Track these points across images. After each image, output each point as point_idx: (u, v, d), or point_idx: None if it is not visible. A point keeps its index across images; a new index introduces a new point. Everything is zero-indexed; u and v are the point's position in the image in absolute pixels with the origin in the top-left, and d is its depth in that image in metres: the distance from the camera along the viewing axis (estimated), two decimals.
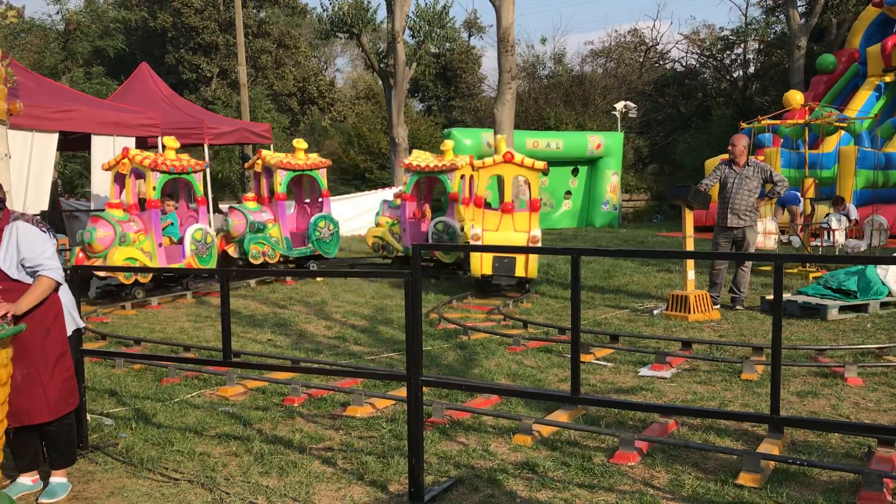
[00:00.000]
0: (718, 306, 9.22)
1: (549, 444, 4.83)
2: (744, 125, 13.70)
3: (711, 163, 20.40)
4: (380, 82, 32.19)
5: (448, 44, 24.16)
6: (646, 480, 4.27)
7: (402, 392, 5.77)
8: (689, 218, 8.89)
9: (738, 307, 9.26)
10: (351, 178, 29.28)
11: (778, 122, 14.25)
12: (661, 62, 37.82)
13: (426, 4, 23.47)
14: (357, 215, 19.50)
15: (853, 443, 4.74)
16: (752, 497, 4.00)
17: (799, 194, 13.27)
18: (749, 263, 9.62)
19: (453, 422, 5.23)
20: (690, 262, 8.89)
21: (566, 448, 4.75)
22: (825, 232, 12.13)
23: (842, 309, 8.60)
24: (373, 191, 21.51)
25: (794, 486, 4.13)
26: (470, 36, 39.30)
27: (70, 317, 4.46)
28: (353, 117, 35.23)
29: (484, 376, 6.39)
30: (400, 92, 21.43)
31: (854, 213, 13.62)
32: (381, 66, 22.41)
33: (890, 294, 8.86)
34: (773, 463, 4.35)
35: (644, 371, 6.49)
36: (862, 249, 11.92)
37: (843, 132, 17.20)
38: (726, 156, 9.61)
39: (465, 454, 4.67)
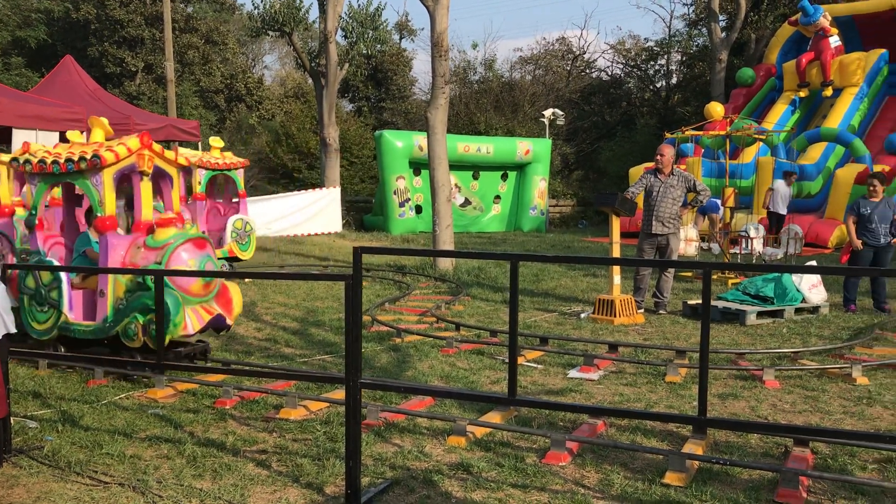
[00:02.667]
0: (643, 310, 9.49)
1: (482, 444, 4.92)
2: (668, 135, 14.12)
3: (635, 171, 20.94)
4: (309, 81, 31.95)
5: (380, 45, 24.11)
6: (577, 480, 4.40)
7: (336, 394, 5.79)
8: (615, 224, 9.13)
9: (661, 311, 9.55)
10: (279, 178, 28.94)
11: (700, 132, 14.73)
12: (588, 71, 38.56)
13: (359, 6, 23.45)
14: (286, 215, 19.31)
15: (771, 443, 4.97)
16: (678, 496, 4.15)
17: (719, 203, 13.74)
18: (672, 269, 9.94)
19: (388, 424, 5.27)
20: (616, 268, 9.13)
21: (500, 449, 4.84)
22: (744, 240, 12.59)
23: (759, 314, 8.97)
24: (302, 191, 21.32)
25: (717, 484, 4.31)
26: (401, 38, 39.34)
27: (1, 321, 4.33)
28: (282, 116, 34.81)
29: (417, 378, 6.45)
30: (331, 92, 21.31)
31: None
32: (313, 65, 22.25)
33: (804, 300, 9.28)
34: (697, 462, 4.53)
35: (573, 373, 6.65)
36: (779, 257, 12.42)
37: (760, 144, 17.87)
38: (650, 164, 9.90)
39: (401, 456, 4.71)
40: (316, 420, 5.38)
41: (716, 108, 21.92)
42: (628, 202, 9.16)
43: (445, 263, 12.87)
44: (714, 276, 12.06)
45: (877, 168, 17.14)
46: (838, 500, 4.11)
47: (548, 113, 26.97)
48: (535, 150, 23.52)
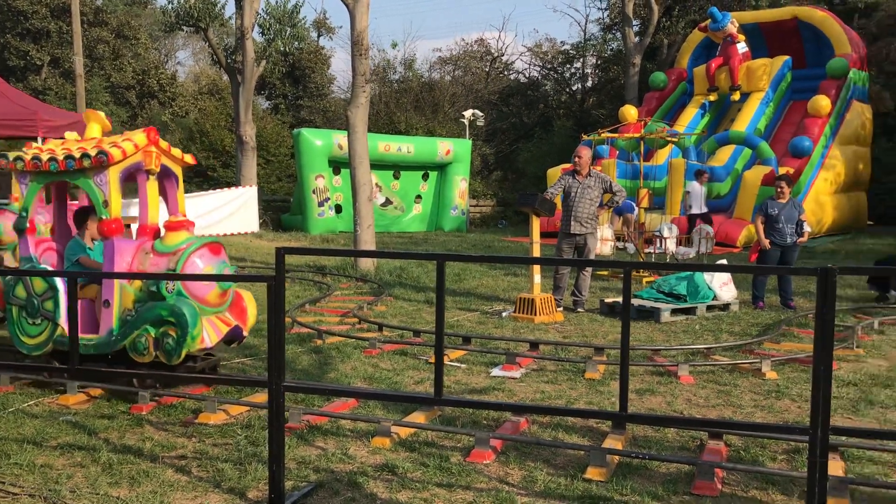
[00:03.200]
0: (562, 309, 9.65)
1: (407, 445, 4.91)
2: (585, 137, 14.39)
3: (553, 171, 21.25)
4: (225, 78, 31.36)
5: (298, 43, 23.85)
6: (501, 478, 4.44)
7: (257, 398, 5.70)
8: (535, 224, 9.25)
9: (579, 310, 9.73)
10: (192, 176, 28.29)
11: (615, 135, 15.07)
12: (506, 73, 39.01)
13: (277, 2, 23.09)
14: (200, 215, 18.87)
15: (687, 436, 5.12)
16: (599, 490, 4.24)
17: (634, 204, 14.08)
18: (590, 269, 10.14)
19: (311, 427, 5.21)
20: (537, 267, 9.26)
21: (424, 449, 4.85)
22: (657, 239, 12.94)
23: (673, 311, 9.24)
24: (217, 190, 20.89)
25: (636, 478, 4.42)
26: (319, 36, 38.99)
27: None
28: (196, 113, 34.02)
29: (340, 380, 6.39)
30: (248, 89, 20.95)
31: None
32: (229, 62, 21.81)
33: (715, 298, 9.60)
34: (617, 457, 4.64)
35: (496, 371, 6.71)
36: (691, 256, 12.81)
37: (672, 146, 18.40)
38: (567, 165, 10.08)
39: (325, 458, 4.67)
40: (237, 424, 5.27)
41: (630, 111, 22.46)
42: (548, 203, 9.30)
43: (367, 264, 12.81)
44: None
45: (782, 170, 17.86)
46: (751, 491, 4.27)
47: (468, 113, 27.16)
48: (455, 150, 23.64)
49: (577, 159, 9.79)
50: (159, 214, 6.11)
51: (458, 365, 6.95)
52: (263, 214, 22.18)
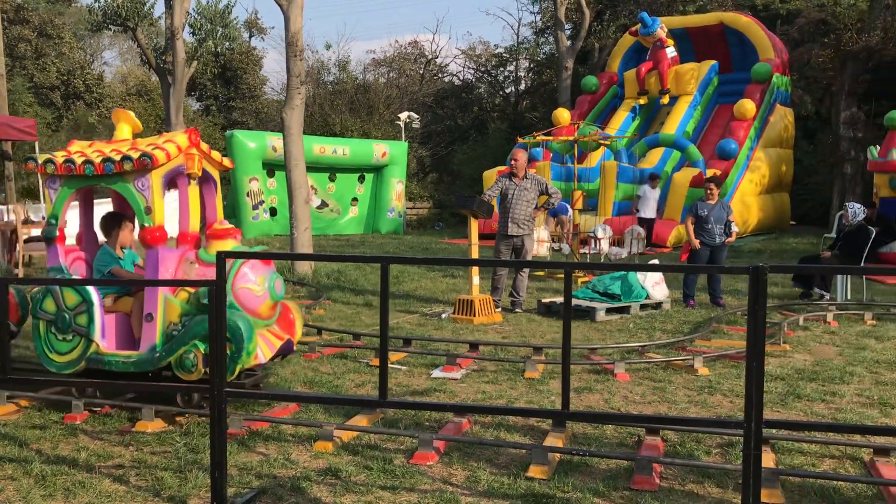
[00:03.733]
0: (500, 309, 9.75)
1: (350, 449, 4.90)
2: (520, 140, 14.54)
3: (489, 174, 21.40)
4: (154, 79, 30.68)
5: (229, 43, 23.48)
6: (444, 478, 4.47)
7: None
8: (474, 226, 9.33)
9: (517, 310, 9.84)
10: None
11: (550, 138, 15.27)
12: (441, 75, 39.15)
13: (208, 2, 22.70)
14: None
15: (625, 433, 5.24)
16: (541, 488, 4.31)
17: (568, 205, 14.29)
18: (527, 269, 10.26)
19: (252, 432, 5.15)
20: (475, 269, 9.33)
21: (367, 452, 4.84)
22: (592, 240, 13.18)
23: (608, 311, 9.42)
24: None
25: (577, 475, 4.50)
26: (251, 36, 38.48)
27: None
28: None
29: (280, 385, 6.34)
30: (179, 90, 20.56)
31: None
32: (159, 62, 21.36)
33: (648, 297, 9.82)
34: (558, 455, 4.71)
35: (436, 373, 6.74)
36: (623, 256, 13.08)
37: (605, 149, 18.74)
38: (503, 167, 10.19)
39: (267, 464, 4.63)
40: (175, 431, 5.18)
41: (563, 114, 22.80)
42: (485, 205, 9.38)
43: (304, 267, 12.71)
44: (563, 276, 12.52)
45: (710, 172, 18.35)
46: (687, 484, 4.39)
47: (403, 116, 27.18)
48: (391, 152, 23.62)
49: (513, 162, 9.90)
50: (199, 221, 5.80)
51: (399, 367, 6.96)
52: None
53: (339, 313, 9.71)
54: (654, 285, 9.90)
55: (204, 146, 5.76)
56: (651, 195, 16.74)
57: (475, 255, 9.25)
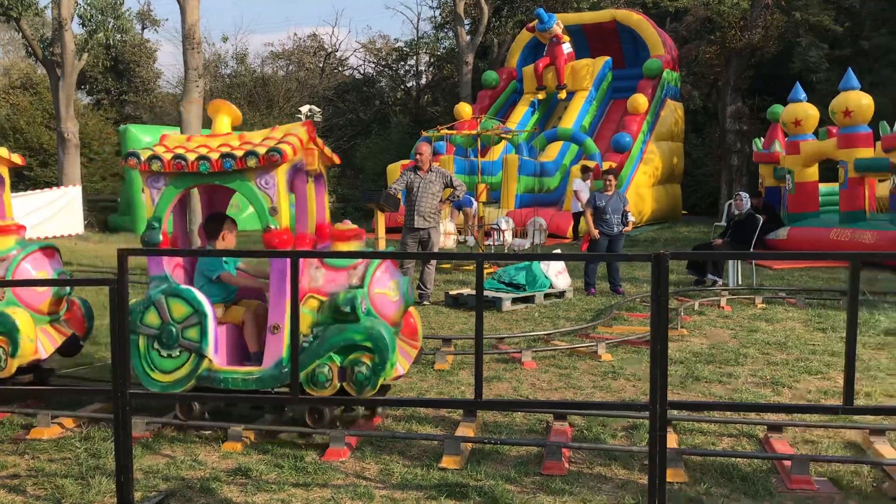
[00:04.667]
0: (428, 302, 9.77)
1: (259, 448, 4.82)
2: (424, 133, 14.59)
3: (393, 168, 21.37)
4: (40, 71, 29.25)
5: (121, 35, 22.64)
6: (358, 473, 4.46)
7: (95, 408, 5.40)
8: (380, 220, 9.31)
9: (425, 302, 9.88)
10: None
11: (453, 132, 15.39)
12: (341, 68, 38.82)
13: None
14: (19, 217, 17.56)
15: (534, 419, 5.34)
16: (454, 478, 4.35)
17: (473, 198, 14.43)
18: (434, 262, 10.30)
19: (156, 435, 5.01)
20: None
21: (278, 450, 4.78)
22: (495, 232, 13.35)
23: (514, 300, 9.58)
24: (36, 190, 19.50)
25: (490, 463, 4.56)
26: (144, 28, 37.17)
27: None
28: (8, 109, 31.53)
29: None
30: (68, 84, 19.66)
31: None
32: (46, 54, 20.37)
33: (552, 286, 10.03)
34: (470, 444, 4.77)
35: None
36: (526, 247, 13.31)
37: (506, 142, 19.01)
38: (406, 161, 10.20)
39: (174, 466, 4.51)
40: (74, 437, 4.98)
41: (465, 109, 22.99)
42: (392, 198, 9.37)
43: None
44: (469, 267, 12.67)
45: (606, 165, 18.86)
46: (595, 467, 4.52)
47: (304, 109, 26.82)
48: None
49: (418, 156, 9.91)
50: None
51: None
52: (88, 215, 20.92)
53: None
54: (557, 275, 10.12)
55: (319, 141, 5.40)
56: (586, 188, 16.93)
57: (382, 248, 9.23)
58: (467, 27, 30.66)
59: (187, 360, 4.97)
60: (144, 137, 20.08)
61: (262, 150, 4.82)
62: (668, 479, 3.94)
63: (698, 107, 28.65)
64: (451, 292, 9.99)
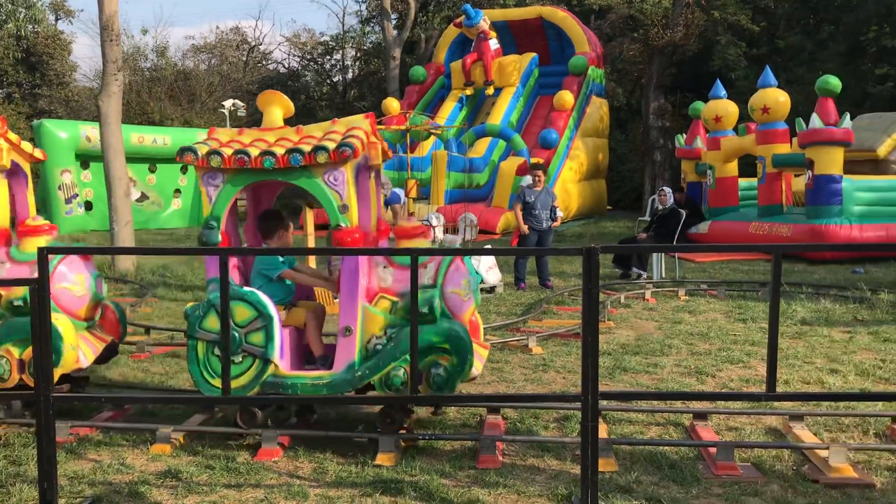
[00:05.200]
0: (338, 299, 9.67)
1: (189, 449, 4.72)
2: None
3: None
4: None
5: (33, 26, 21.81)
6: (291, 472, 4.41)
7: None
8: (310, 216, 9.21)
9: None
10: None
11: (381, 127, 15.31)
12: (265, 62, 38.25)
13: None
14: None
15: (468, 414, 5.37)
16: (389, 474, 4.34)
17: (402, 194, 14.40)
18: None
19: (81, 439, 4.85)
20: (312, 260, 9.22)
21: (208, 451, 4.68)
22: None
23: None
24: None
25: (424, 458, 4.57)
26: (58, 19, 35.85)
27: None
28: None
29: (109, 388, 6.00)
30: None
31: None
32: None
33: (482, 281, 10.09)
34: (404, 441, 4.76)
35: None
36: (457, 243, 13.34)
37: (435, 138, 19.03)
38: None
39: (100, 471, 4.37)
40: None
41: (392, 104, 22.89)
42: None
43: (126, 263, 12.06)
44: None
45: (533, 160, 19.06)
46: (529, 459, 4.57)
47: (228, 103, 26.33)
48: None
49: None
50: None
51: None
52: None
53: (168, 311, 9.29)
54: (488, 270, 10.18)
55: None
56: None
57: (312, 244, 9.13)
58: (394, 22, 30.58)
59: (251, 366, 4.74)
60: (60, 133, 19.42)
61: (331, 145, 4.62)
62: (600, 469, 4.01)
63: (622, 103, 29.22)
64: None
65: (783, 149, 14.88)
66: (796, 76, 24.53)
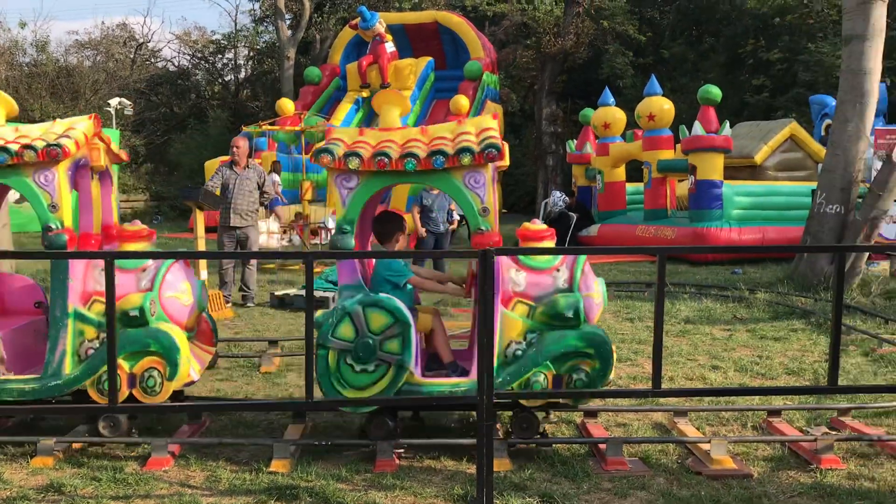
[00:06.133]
0: (230, 304, 9.48)
1: (74, 461, 4.53)
2: (245, 129, 14.21)
3: (211, 164, 20.67)
4: None
5: None
6: (182, 482, 4.30)
7: None
8: (200, 219, 8.98)
9: (248, 304, 9.64)
10: None
11: (276, 128, 15.09)
12: (154, 60, 37.03)
13: None
14: None
15: (363, 417, 5.35)
16: (285, 480, 4.29)
17: (280, 198, 14.16)
18: (254, 262, 10.05)
19: None
20: (203, 263, 8.99)
21: (94, 463, 4.51)
22: (322, 231, 13.24)
23: None
24: None
25: (321, 463, 4.53)
26: None
27: None
28: None
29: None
30: None
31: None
32: None
33: None
34: (300, 447, 4.71)
35: None
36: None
37: None
38: (225, 157, 9.91)
39: None
40: None
41: (287, 105, 22.55)
42: (211, 195, 9.06)
43: (3, 267, 11.41)
44: (297, 267, 12.49)
45: None
46: (426, 461, 4.60)
47: (114, 102, 25.32)
48: None
49: (234, 149, 9.61)
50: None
51: None
52: None
53: None
54: None
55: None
56: None
57: (201, 247, 8.91)
58: (288, 22, 30.17)
59: (385, 374, 4.58)
60: None
61: (477, 148, 4.52)
62: (495, 468, 4.09)
63: (516, 109, 29.77)
64: (276, 293, 9.80)
65: (668, 155, 15.51)
66: (680, 85, 25.58)
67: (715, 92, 14.37)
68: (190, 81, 36.47)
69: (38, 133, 4.82)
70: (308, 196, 12.72)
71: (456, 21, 24.37)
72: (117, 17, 66.62)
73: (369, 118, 23.43)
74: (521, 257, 4.79)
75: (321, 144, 4.62)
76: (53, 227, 4.68)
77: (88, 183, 5.17)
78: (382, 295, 4.63)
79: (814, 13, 24.17)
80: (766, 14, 25.07)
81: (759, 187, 15.14)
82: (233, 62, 37.21)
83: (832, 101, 13.90)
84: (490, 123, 4.78)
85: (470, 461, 4.52)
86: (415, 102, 22.61)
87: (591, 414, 5.22)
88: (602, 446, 4.66)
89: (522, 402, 4.66)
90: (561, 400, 4.77)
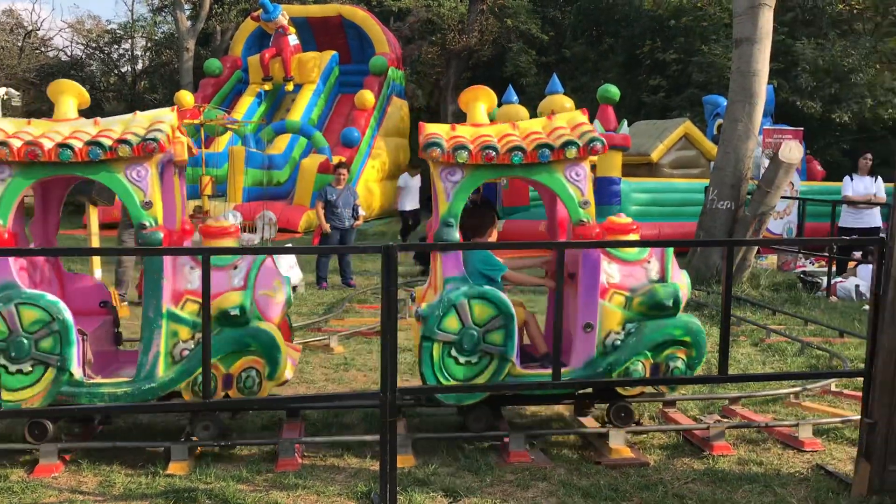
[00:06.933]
0: (127, 303, 9.15)
1: None
2: None
3: None
4: None
5: None
6: (74, 488, 4.14)
7: None
8: (94, 215, 8.65)
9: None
10: None
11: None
12: (44, 49, 35.35)
13: None
14: None
15: (267, 417, 5.27)
16: (183, 482, 4.18)
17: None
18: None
19: None
20: (97, 260, 8.67)
21: None
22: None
23: None
24: None
25: (220, 465, 4.44)
26: None
27: None
28: None
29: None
30: None
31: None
32: None
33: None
34: (199, 448, 4.59)
35: None
36: (255, 242, 13.04)
37: (231, 133, 18.47)
38: None
39: None
40: None
41: (185, 97, 21.91)
42: (106, 191, 8.68)
43: None
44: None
45: (336, 159, 18.99)
46: (329, 459, 4.57)
47: (0, 92, 24.04)
48: None
49: None
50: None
51: None
52: None
53: None
54: (289, 269, 10.01)
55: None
56: (413, 185, 16.33)
57: (95, 244, 8.58)
58: (188, 12, 29.32)
59: (487, 366, 4.63)
60: None
61: (581, 141, 4.62)
62: (399, 464, 4.08)
63: (422, 105, 29.77)
64: None
65: None
66: (581, 84, 26.11)
67: (613, 91, 14.72)
68: (84, 72, 34.91)
69: (120, 127, 4.61)
70: (207, 191, 12.41)
71: (361, 16, 24.21)
72: (3, 3, 63.39)
73: (272, 111, 23.06)
74: (610, 249, 4.83)
75: (424, 140, 4.64)
76: (147, 224, 4.49)
77: (172, 178, 4.98)
78: (487, 287, 4.68)
79: (707, 16, 25.08)
80: (663, 16, 25.86)
81: (655, 184, 15.62)
82: (129, 53, 35.88)
83: (724, 102, 14.46)
84: (582, 119, 4.90)
85: (374, 458, 4.51)
86: (319, 96, 22.39)
87: (496, 407, 5.26)
88: (505, 439, 4.71)
89: (619, 391, 4.80)
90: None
